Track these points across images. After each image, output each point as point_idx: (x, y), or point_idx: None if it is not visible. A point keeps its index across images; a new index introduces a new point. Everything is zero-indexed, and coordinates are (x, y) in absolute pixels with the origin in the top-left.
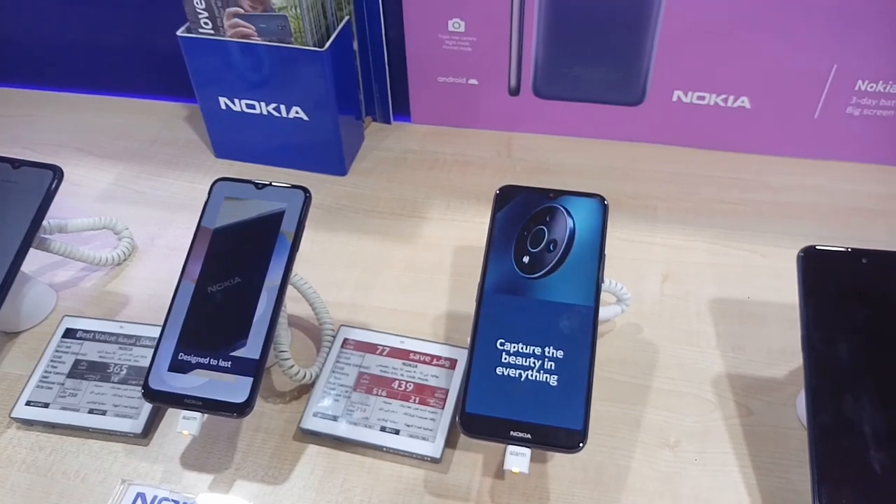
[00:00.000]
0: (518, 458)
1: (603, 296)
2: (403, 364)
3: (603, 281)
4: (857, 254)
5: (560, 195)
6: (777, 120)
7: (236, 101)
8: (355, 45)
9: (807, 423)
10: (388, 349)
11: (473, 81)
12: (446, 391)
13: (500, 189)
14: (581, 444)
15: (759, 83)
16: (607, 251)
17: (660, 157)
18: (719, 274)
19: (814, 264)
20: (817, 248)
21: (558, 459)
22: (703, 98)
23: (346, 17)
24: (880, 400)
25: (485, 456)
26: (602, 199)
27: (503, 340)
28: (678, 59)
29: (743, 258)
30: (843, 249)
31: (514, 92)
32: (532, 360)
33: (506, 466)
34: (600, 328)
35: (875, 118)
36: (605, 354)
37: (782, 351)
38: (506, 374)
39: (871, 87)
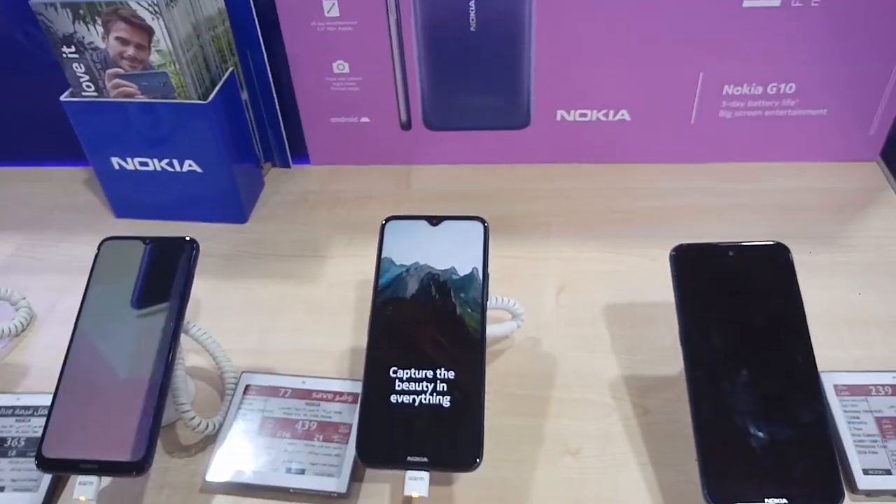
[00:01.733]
0: (417, 483)
1: (498, 313)
2: (306, 404)
3: (488, 299)
4: (723, 248)
5: (441, 220)
6: (656, 129)
7: (129, 159)
8: (245, 95)
9: (690, 413)
10: (290, 391)
11: (365, 119)
12: (349, 426)
13: (386, 220)
14: (477, 461)
15: (636, 96)
16: (503, 270)
17: (551, 175)
18: (612, 281)
19: (685, 261)
20: (687, 245)
21: (463, 480)
22: (584, 115)
23: (231, 69)
24: (753, 383)
25: (392, 485)
26: (482, 220)
27: (395, 368)
28: (557, 81)
29: (634, 264)
30: (710, 244)
31: (406, 126)
32: (425, 383)
33: (406, 492)
34: (499, 344)
35: (745, 119)
36: (504, 369)
37: (674, 348)
38: (399, 400)
39: (738, 91)
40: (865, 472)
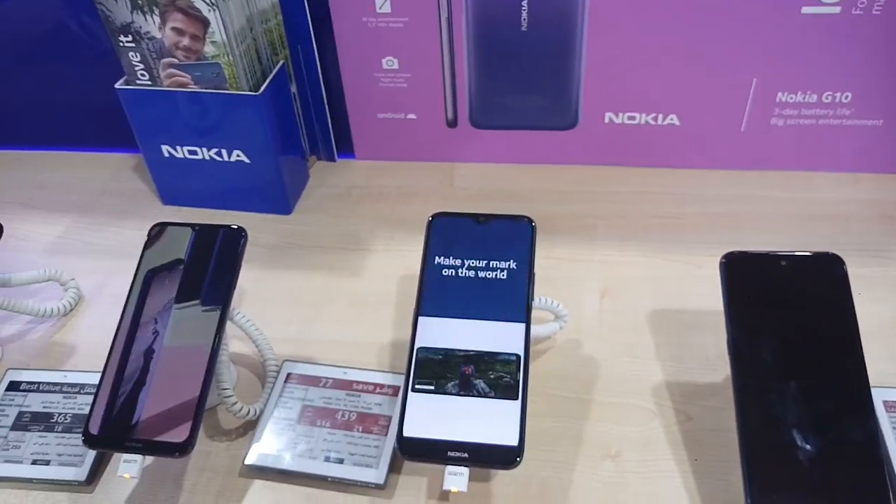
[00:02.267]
0: (457, 478)
1: (541, 314)
2: (346, 394)
3: (533, 299)
4: (776, 257)
5: (489, 219)
6: (706, 135)
7: (178, 148)
8: (294, 88)
9: (736, 422)
10: (331, 381)
11: (412, 116)
12: (389, 418)
13: (433, 216)
14: (518, 460)
15: (686, 101)
16: (546, 271)
17: (596, 177)
18: (656, 286)
19: (735, 269)
20: (738, 253)
21: (502, 477)
22: (633, 118)
23: (281, 62)
24: (803, 395)
25: (429, 479)
26: (529, 220)
27: (434, 365)
28: (607, 83)
29: (679, 270)
30: (762, 253)
31: (452, 124)
32: (474, 380)
33: (445, 486)
34: (541, 345)
35: (798, 127)
36: (545, 370)
37: (719, 357)
38: (441, 396)
39: (791, 98)
40: None
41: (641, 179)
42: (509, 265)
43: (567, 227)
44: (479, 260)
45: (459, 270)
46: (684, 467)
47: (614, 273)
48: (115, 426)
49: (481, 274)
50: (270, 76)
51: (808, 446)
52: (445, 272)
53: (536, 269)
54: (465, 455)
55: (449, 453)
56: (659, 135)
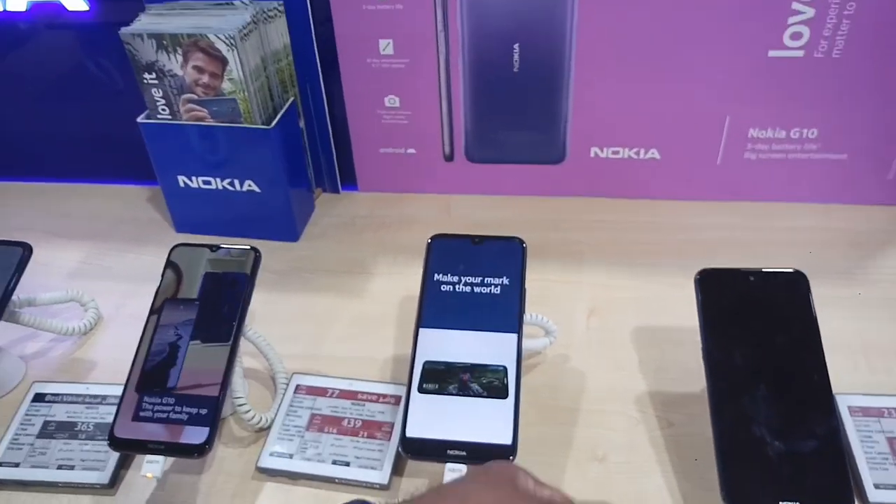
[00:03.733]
0: (456, 475)
1: (532, 330)
2: (352, 403)
3: (525, 313)
4: (745, 273)
5: (483, 240)
6: (685, 168)
7: (194, 178)
8: (302, 124)
9: (711, 423)
10: (337, 391)
11: (412, 151)
12: (392, 425)
13: (432, 238)
14: (511, 458)
15: (666, 136)
16: (537, 292)
17: (584, 207)
18: (640, 306)
19: (709, 284)
20: (711, 270)
21: None
22: (617, 152)
23: (291, 98)
24: (772, 397)
25: (430, 480)
26: (521, 241)
27: (433, 374)
28: (592, 120)
29: (660, 291)
30: (733, 269)
31: (449, 158)
32: (471, 384)
33: (445, 481)
34: (532, 359)
35: (769, 161)
36: (537, 382)
37: (697, 369)
38: (439, 401)
39: (762, 134)
40: (877, 486)
41: (625, 209)
42: (502, 281)
43: (556, 252)
44: (475, 276)
45: (457, 286)
46: (666, 468)
47: (601, 294)
48: (138, 430)
49: (477, 289)
50: (281, 112)
51: (777, 443)
52: (444, 287)
53: (529, 290)
54: (464, 453)
55: (448, 452)
56: (641, 168)
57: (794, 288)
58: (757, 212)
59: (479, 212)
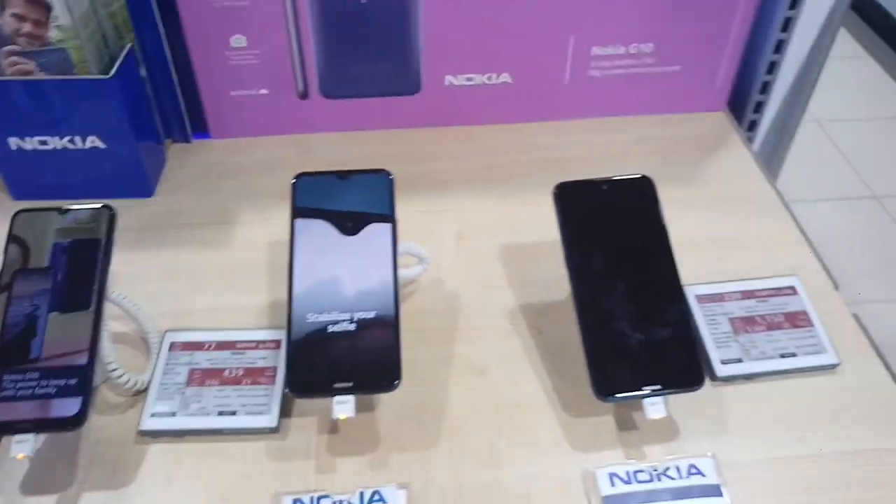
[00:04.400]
0: (343, 406)
1: (407, 259)
2: (231, 353)
3: (397, 244)
4: (598, 182)
5: (349, 174)
6: (536, 90)
7: (28, 139)
8: (143, 71)
9: (577, 324)
10: (214, 343)
11: (264, 91)
12: (275, 369)
13: (296, 177)
14: (396, 383)
15: (516, 60)
16: (406, 224)
17: (443, 137)
18: (503, 226)
19: (565, 197)
20: (567, 182)
21: (385, 406)
22: (471, 79)
23: (129, 45)
24: (629, 294)
25: (319, 419)
26: (387, 172)
27: (313, 313)
28: (444, 48)
29: (522, 210)
30: (586, 180)
31: (304, 96)
32: (345, 323)
33: (333, 416)
34: (408, 287)
35: (612, 77)
36: (414, 308)
37: (560, 279)
38: (324, 338)
39: (604, 52)
40: (723, 362)
41: (483, 135)
42: (373, 214)
43: (421, 183)
44: (345, 212)
45: (326, 224)
46: (541, 372)
47: (467, 219)
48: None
49: (348, 224)
50: (119, 59)
51: (637, 335)
52: (313, 226)
53: (399, 222)
54: (350, 384)
55: (335, 385)
56: (495, 93)
57: (642, 192)
58: (604, 127)
59: (340, 149)
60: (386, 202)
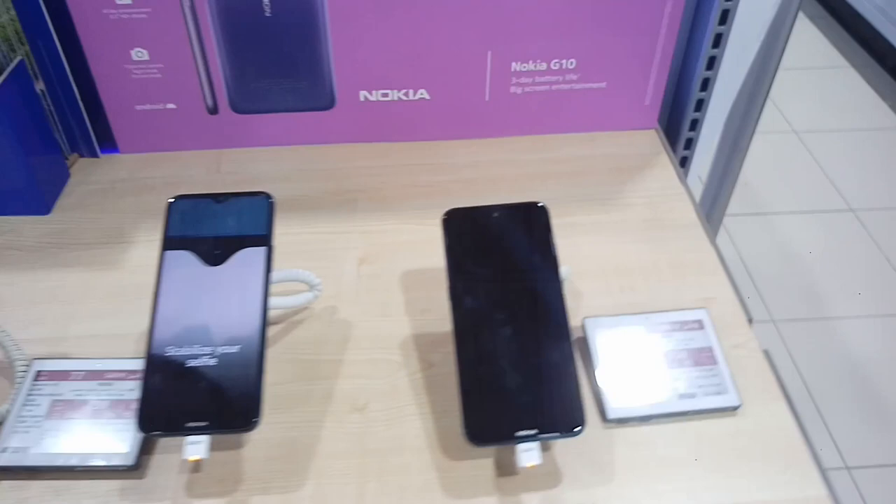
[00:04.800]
0: (196, 447)
1: (296, 285)
2: (99, 384)
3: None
4: (489, 210)
5: (228, 197)
6: (455, 107)
7: None
8: (41, 85)
9: (455, 362)
10: (82, 373)
11: (171, 106)
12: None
13: (172, 198)
14: (255, 422)
15: (433, 76)
16: (309, 245)
17: (358, 154)
18: (412, 249)
19: (454, 224)
20: (457, 209)
21: (254, 444)
22: (386, 95)
23: (20, 58)
24: (512, 331)
25: (179, 455)
26: (266, 195)
27: (173, 347)
28: (357, 63)
29: (430, 233)
30: (477, 207)
31: (213, 111)
32: (205, 358)
33: (184, 456)
34: (299, 315)
35: (534, 94)
36: (301, 337)
37: None
38: (180, 373)
39: (525, 68)
40: (616, 402)
41: (399, 153)
42: (249, 240)
43: (330, 202)
44: (219, 238)
45: (198, 251)
46: (424, 410)
47: (373, 241)
48: None
49: (218, 252)
50: (6, 73)
51: (515, 374)
52: (184, 253)
53: (299, 245)
54: (205, 423)
55: (187, 424)
56: (412, 109)
57: (535, 220)
58: (526, 145)
59: (251, 166)
60: (263, 227)
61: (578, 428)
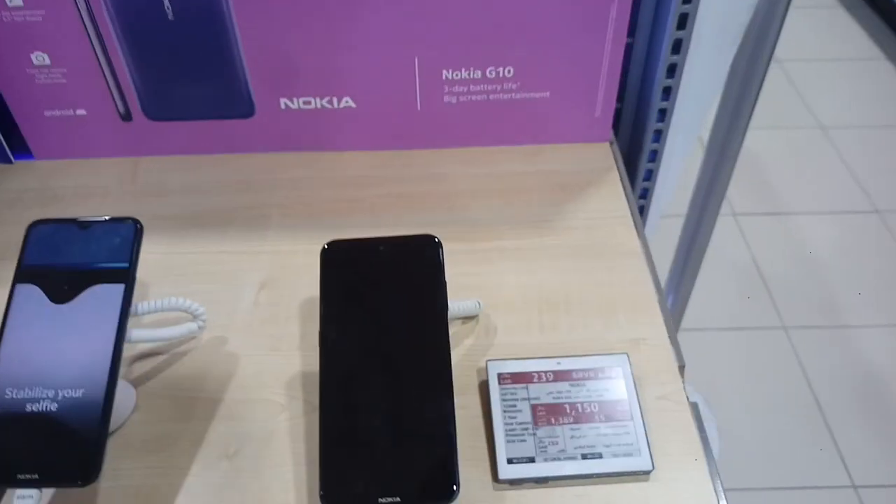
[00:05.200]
0: (24, 501)
1: (176, 315)
2: None
3: (130, 303)
4: (375, 242)
5: (91, 223)
6: (384, 115)
7: None
8: None
9: (319, 413)
10: None
11: (82, 112)
12: None
13: (32, 223)
14: (94, 476)
15: (357, 82)
16: (209, 266)
17: (281, 164)
18: (317, 275)
19: (334, 257)
20: (339, 241)
21: (109, 491)
22: (308, 102)
23: None
24: (386, 383)
25: None
26: (134, 221)
27: (13, 388)
28: (272, 68)
29: None
30: (361, 239)
31: (126, 117)
32: (46, 402)
33: None
34: (182, 347)
35: (471, 103)
36: (181, 373)
37: None
38: (16, 418)
39: (457, 75)
40: (510, 461)
41: (322, 164)
42: (112, 272)
43: (241, 218)
44: (78, 267)
45: (52, 282)
46: (299, 460)
47: (279, 263)
48: None
49: (76, 281)
50: None
51: (384, 433)
52: (38, 285)
53: (198, 267)
54: (36, 476)
55: (18, 475)
56: (337, 118)
57: (425, 255)
58: (465, 158)
59: (168, 175)
60: (125, 258)
61: (448, 498)
